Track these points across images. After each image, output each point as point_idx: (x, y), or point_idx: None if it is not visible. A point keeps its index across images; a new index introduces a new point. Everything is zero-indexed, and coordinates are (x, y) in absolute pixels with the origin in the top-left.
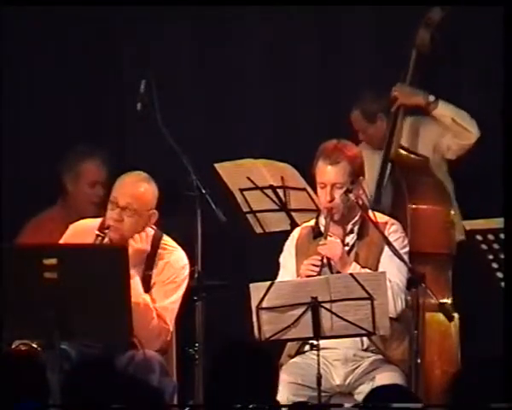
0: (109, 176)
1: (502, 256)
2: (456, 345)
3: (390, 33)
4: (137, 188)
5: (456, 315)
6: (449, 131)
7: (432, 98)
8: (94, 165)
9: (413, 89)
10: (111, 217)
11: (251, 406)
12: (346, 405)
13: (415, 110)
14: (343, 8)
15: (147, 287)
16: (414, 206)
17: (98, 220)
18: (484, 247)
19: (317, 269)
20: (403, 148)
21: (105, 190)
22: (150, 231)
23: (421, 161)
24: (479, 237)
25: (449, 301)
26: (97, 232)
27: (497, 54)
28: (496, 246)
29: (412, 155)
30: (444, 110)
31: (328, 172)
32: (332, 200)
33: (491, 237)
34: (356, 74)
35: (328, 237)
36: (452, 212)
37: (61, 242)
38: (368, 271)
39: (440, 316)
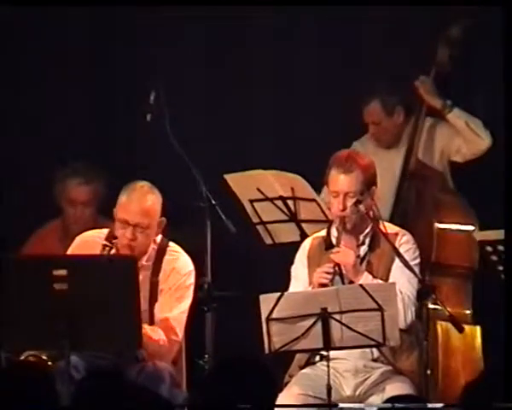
0: (96, 196)
1: None
2: (480, 357)
3: (399, 41)
4: (145, 203)
5: (477, 327)
6: (461, 135)
7: (449, 102)
8: (74, 184)
9: (434, 88)
10: (124, 236)
11: (251, 406)
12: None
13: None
14: (355, 17)
15: (154, 293)
16: (438, 220)
17: (104, 231)
18: (494, 258)
19: (330, 277)
20: (420, 162)
21: (89, 210)
22: (157, 238)
23: (438, 175)
24: (489, 249)
25: (468, 312)
26: (104, 242)
27: (497, 54)
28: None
29: (430, 169)
30: (459, 114)
31: (341, 180)
32: (344, 209)
33: (501, 248)
34: (368, 85)
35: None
36: (476, 226)
37: (68, 253)
38: (379, 281)
39: (465, 328)
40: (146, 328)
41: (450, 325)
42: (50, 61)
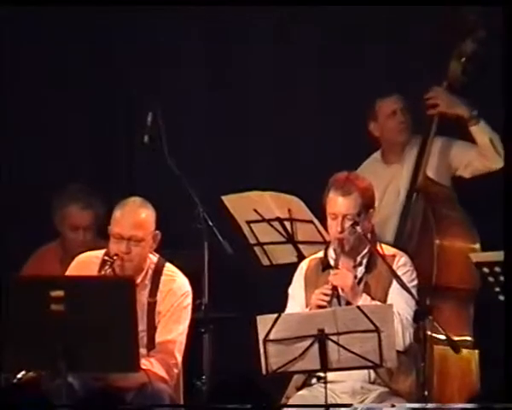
0: (97, 220)
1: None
2: (477, 381)
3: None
4: (138, 216)
5: (476, 352)
6: (478, 150)
7: (475, 112)
8: (75, 209)
9: (455, 97)
10: (119, 250)
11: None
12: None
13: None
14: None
15: (152, 314)
16: (441, 240)
17: (101, 252)
18: (491, 279)
19: (328, 298)
20: (428, 178)
21: (90, 234)
22: (153, 258)
23: (446, 192)
24: (485, 270)
25: (469, 337)
26: (105, 258)
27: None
28: (502, 278)
29: (438, 186)
30: (484, 128)
31: (339, 203)
32: (343, 231)
33: (497, 269)
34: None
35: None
36: (477, 246)
37: (67, 274)
38: (377, 303)
39: (463, 351)
40: (146, 364)
41: (446, 350)
42: (49, 62)
